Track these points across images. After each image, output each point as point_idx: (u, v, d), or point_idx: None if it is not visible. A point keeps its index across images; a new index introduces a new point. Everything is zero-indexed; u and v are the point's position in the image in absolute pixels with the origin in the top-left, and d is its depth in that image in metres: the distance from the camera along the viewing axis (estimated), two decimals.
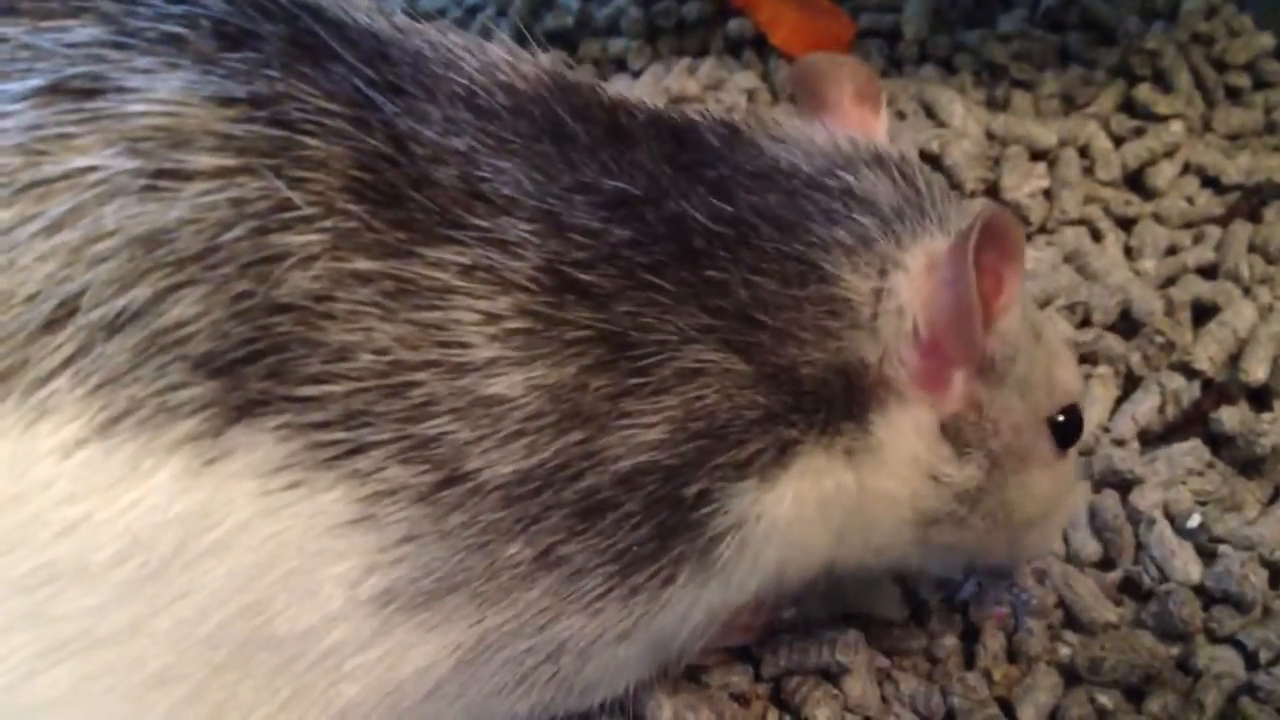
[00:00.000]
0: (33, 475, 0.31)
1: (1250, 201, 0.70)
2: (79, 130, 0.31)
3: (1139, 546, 0.53)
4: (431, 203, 0.34)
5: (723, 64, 0.81)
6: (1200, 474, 0.56)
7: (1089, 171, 0.72)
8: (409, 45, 0.37)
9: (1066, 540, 0.54)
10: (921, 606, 0.52)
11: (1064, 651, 0.50)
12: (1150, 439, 0.59)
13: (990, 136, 0.74)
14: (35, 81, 0.32)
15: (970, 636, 0.51)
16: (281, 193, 0.32)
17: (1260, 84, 0.78)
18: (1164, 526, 0.53)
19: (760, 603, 0.46)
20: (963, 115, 0.74)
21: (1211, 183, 0.72)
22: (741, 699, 0.49)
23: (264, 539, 0.32)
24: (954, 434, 0.40)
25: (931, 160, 0.71)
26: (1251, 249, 0.67)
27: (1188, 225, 0.69)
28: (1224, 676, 0.48)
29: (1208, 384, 0.60)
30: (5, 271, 0.31)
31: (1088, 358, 0.61)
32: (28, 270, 0.31)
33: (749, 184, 0.39)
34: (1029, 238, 0.68)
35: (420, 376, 0.33)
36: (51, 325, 0.31)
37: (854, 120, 0.44)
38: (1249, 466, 0.57)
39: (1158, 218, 0.69)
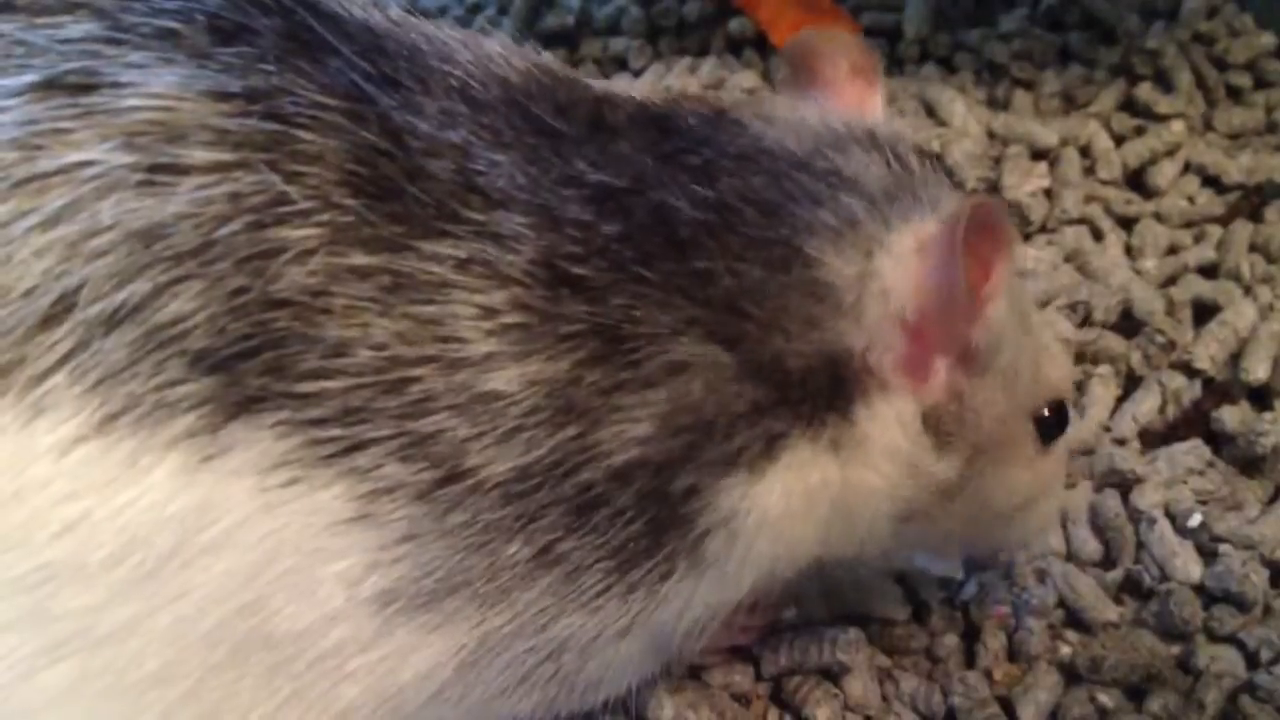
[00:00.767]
0: (31, 473, 0.30)
1: (1251, 201, 0.70)
2: (74, 125, 0.31)
3: (1140, 546, 0.53)
4: (427, 196, 0.34)
5: (724, 63, 0.81)
6: (1201, 473, 0.56)
7: (1090, 171, 0.72)
8: (405, 39, 0.37)
9: (1067, 539, 0.54)
10: (922, 606, 0.52)
11: (1065, 651, 0.50)
12: (1151, 438, 0.59)
13: (991, 136, 0.74)
14: (30, 77, 0.32)
15: (971, 636, 0.51)
16: (277, 187, 0.32)
17: (1261, 83, 0.78)
18: (1165, 526, 0.53)
19: (759, 602, 0.46)
20: (963, 114, 0.74)
21: (1212, 182, 0.72)
22: (742, 698, 0.49)
23: (262, 536, 0.32)
24: (935, 425, 0.40)
25: None
26: (1252, 248, 0.66)
27: (1188, 225, 0.69)
28: (1224, 676, 0.48)
29: (1208, 383, 0.60)
30: (2, 267, 0.30)
31: (1088, 357, 0.61)
32: (25, 265, 0.30)
33: (732, 167, 0.38)
34: (1029, 237, 0.68)
35: (418, 372, 0.33)
36: (49, 321, 0.30)
37: (849, 96, 0.43)
38: (1250, 466, 0.57)
39: (1158, 217, 0.69)
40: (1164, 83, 0.76)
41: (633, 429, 0.35)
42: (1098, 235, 0.68)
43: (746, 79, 0.79)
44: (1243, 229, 0.67)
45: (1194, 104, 0.76)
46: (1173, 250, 0.67)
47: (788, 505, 0.38)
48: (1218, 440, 0.58)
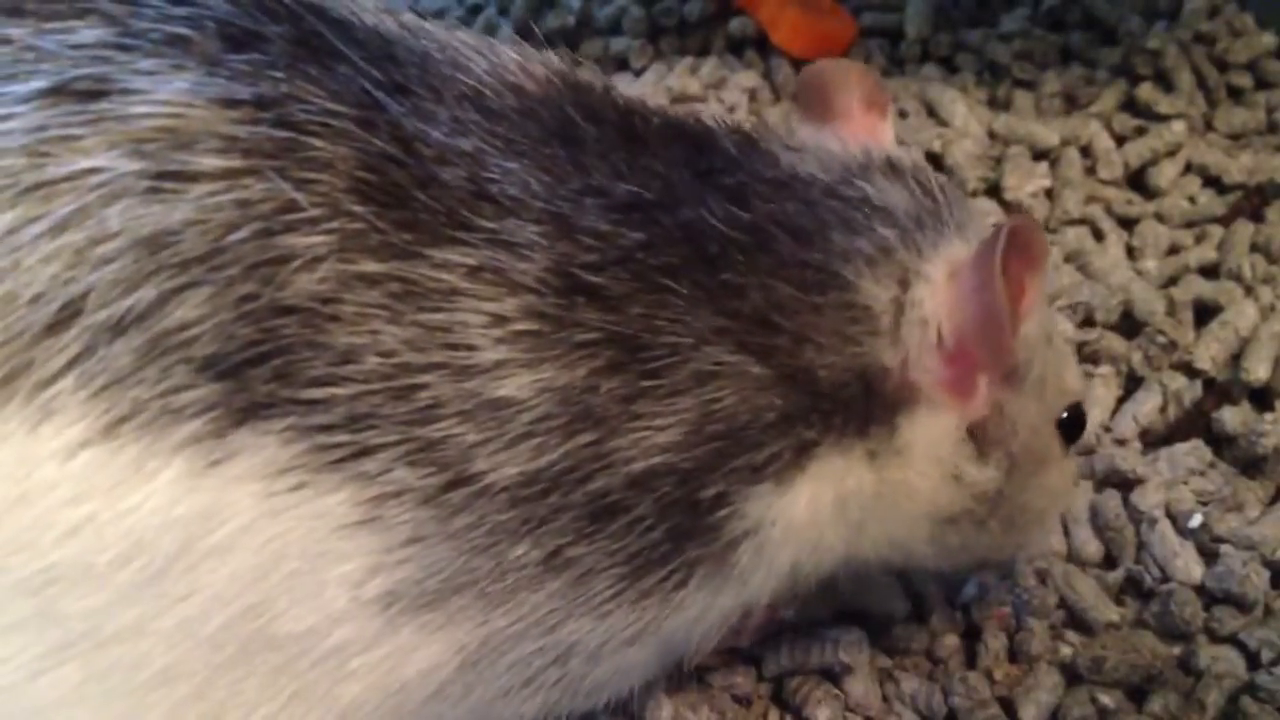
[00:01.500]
0: (37, 477, 0.31)
1: (1252, 201, 0.70)
2: (83, 132, 0.31)
3: (1140, 546, 0.53)
4: (438, 204, 0.34)
5: (724, 63, 0.81)
6: (1202, 474, 0.56)
7: (1091, 171, 0.72)
8: (416, 46, 0.37)
9: (1068, 540, 0.54)
10: (923, 605, 0.52)
11: (1065, 651, 0.50)
12: (1152, 439, 0.59)
13: (992, 136, 0.74)
14: (40, 83, 0.32)
15: (972, 636, 0.51)
16: (287, 194, 0.32)
17: (1262, 83, 0.77)
18: (1166, 526, 0.53)
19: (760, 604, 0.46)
20: (964, 115, 0.74)
21: (1213, 182, 0.72)
22: (743, 699, 0.49)
23: (267, 540, 0.32)
24: (978, 436, 0.41)
25: (933, 160, 0.71)
26: (1253, 249, 0.66)
27: (1189, 225, 0.69)
28: (1225, 676, 0.48)
29: (1209, 384, 0.60)
30: (10, 273, 0.30)
31: (1089, 357, 0.61)
32: (32, 272, 0.30)
33: (766, 192, 0.39)
34: None
35: (427, 379, 0.33)
36: (56, 327, 0.31)
37: (863, 127, 0.44)
38: (1250, 466, 0.57)
39: (1159, 217, 0.69)
40: (1165, 83, 0.76)
41: (656, 436, 0.35)
42: (1099, 235, 0.68)
43: (747, 79, 0.79)
44: (1244, 229, 0.67)
45: (1195, 104, 0.75)
46: (1174, 250, 0.67)
47: (815, 514, 0.39)
48: (1219, 441, 0.58)
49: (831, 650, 0.49)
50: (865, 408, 0.39)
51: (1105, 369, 0.61)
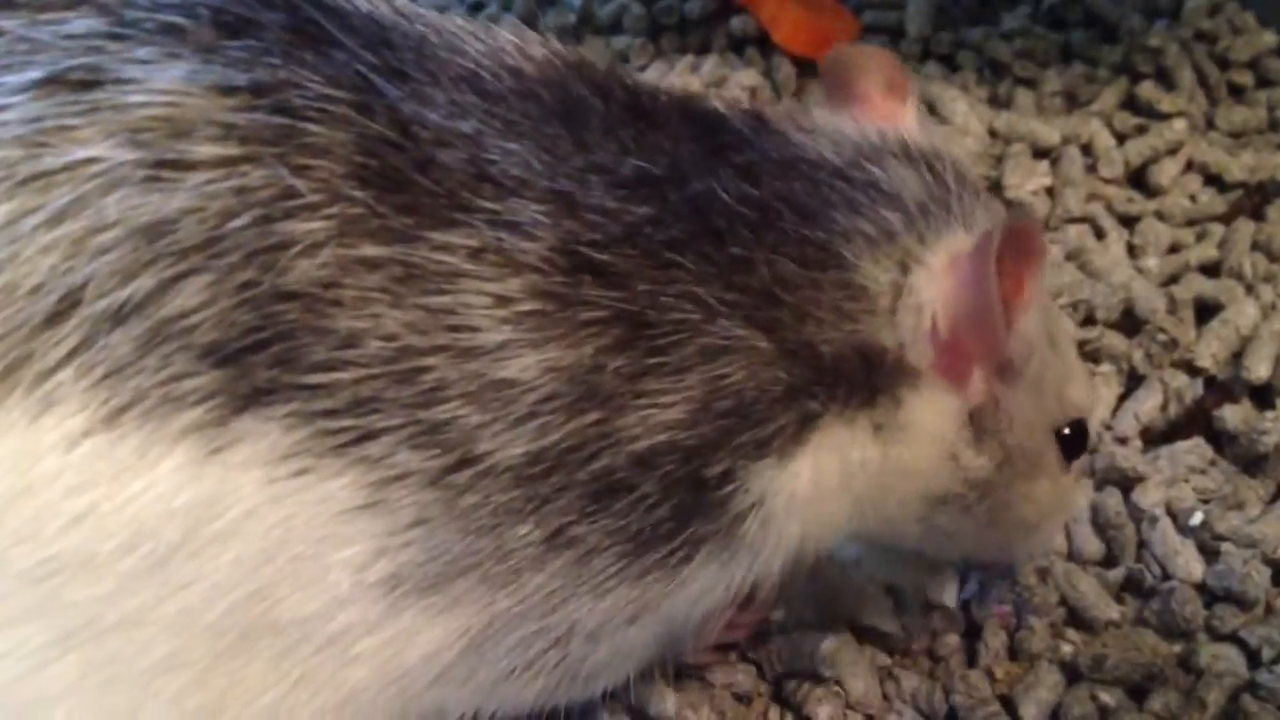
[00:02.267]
0: (40, 468, 0.31)
1: (1253, 199, 0.70)
2: (79, 122, 0.31)
3: (1141, 544, 0.54)
4: (438, 186, 0.34)
5: (725, 61, 0.81)
6: (1203, 472, 0.56)
7: (1091, 169, 0.72)
8: (412, 30, 0.37)
9: (1069, 538, 0.54)
10: (923, 605, 0.52)
11: (1066, 649, 0.50)
12: (1153, 437, 0.59)
13: (993, 134, 0.73)
14: (34, 74, 0.32)
15: (972, 634, 0.51)
16: (285, 180, 0.32)
17: (1263, 82, 0.77)
18: (1166, 524, 0.53)
19: (752, 599, 0.46)
20: (965, 113, 0.74)
21: (1214, 180, 0.72)
22: (744, 698, 0.49)
23: (270, 526, 0.32)
24: (976, 420, 0.41)
25: None
26: (1254, 247, 0.66)
27: (1190, 223, 0.69)
28: (1226, 675, 0.48)
29: (1210, 382, 0.60)
30: (8, 265, 0.30)
31: (1090, 356, 0.61)
32: (31, 263, 0.30)
33: (775, 171, 0.39)
34: None
35: (430, 361, 0.33)
36: (55, 318, 0.31)
37: (883, 112, 0.44)
38: (1251, 464, 0.57)
39: (1160, 215, 0.69)
40: (1166, 81, 0.76)
41: (661, 414, 0.35)
42: (1099, 234, 0.68)
43: (748, 77, 0.79)
44: (1245, 227, 0.67)
45: (1196, 102, 0.75)
46: (1175, 249, 0.67)
47: (818, 486, 0.39)
48: (1219, 439, 0.58)
49: (832, 649, 0.49)
50: (869, 382, 0.39)
51: (1106, 367, 0.61)
